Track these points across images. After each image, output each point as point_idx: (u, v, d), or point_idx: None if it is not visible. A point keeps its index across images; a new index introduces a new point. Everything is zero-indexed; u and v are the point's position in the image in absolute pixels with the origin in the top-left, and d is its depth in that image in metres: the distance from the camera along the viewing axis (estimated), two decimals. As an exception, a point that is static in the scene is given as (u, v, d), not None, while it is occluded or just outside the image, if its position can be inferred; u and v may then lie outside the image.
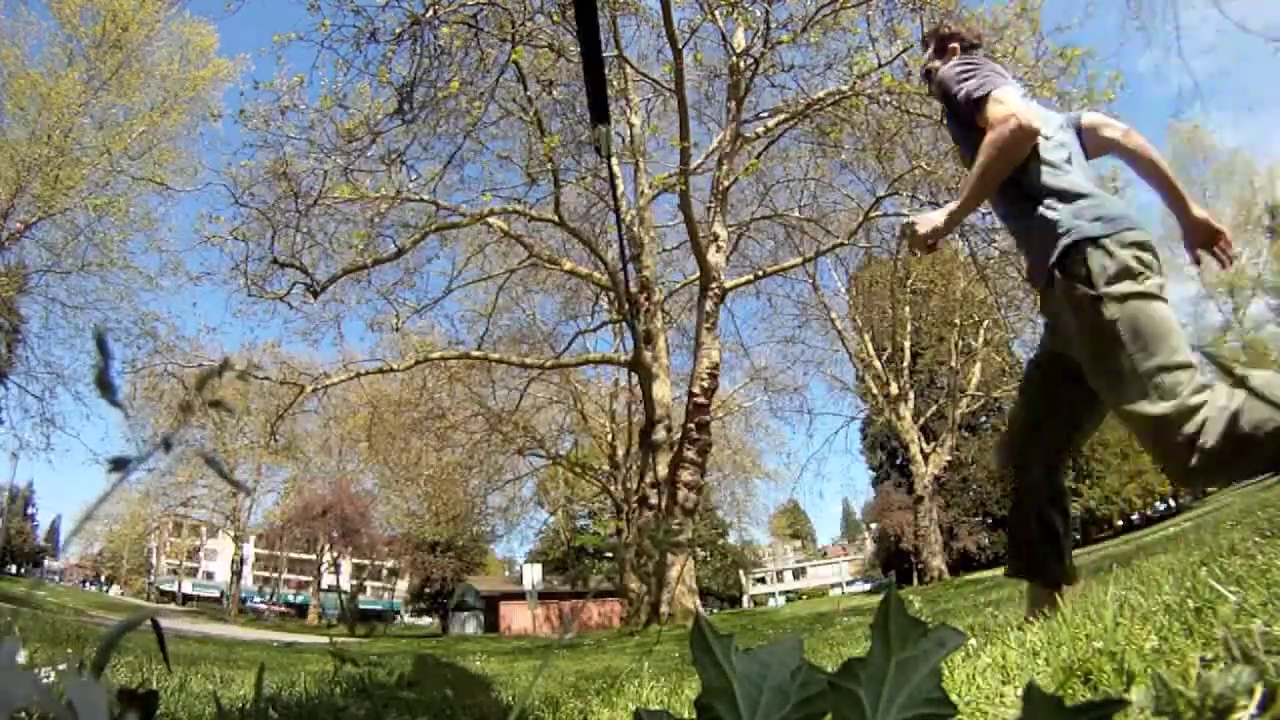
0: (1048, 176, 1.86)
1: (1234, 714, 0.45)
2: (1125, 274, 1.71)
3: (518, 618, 27.83)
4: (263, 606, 45.69)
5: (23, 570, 50.39)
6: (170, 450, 0.39)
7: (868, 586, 52.27)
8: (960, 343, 21.47)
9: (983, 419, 38.19)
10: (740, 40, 10.32)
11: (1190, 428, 1.57)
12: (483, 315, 16.13)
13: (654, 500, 11.19)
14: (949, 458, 21.87)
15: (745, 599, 58.71)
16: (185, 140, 17.14)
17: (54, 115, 15.34)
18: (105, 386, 0.38)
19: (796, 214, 13.54)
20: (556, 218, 11.68)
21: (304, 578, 47.96)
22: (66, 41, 16.05)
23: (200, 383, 0.40)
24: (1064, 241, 1.76)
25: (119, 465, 0.38)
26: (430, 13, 8.38)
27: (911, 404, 22.06)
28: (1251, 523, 3.88)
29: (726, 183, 10.80)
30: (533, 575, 25.10)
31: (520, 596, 27.26)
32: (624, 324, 14.10)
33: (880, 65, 9.42)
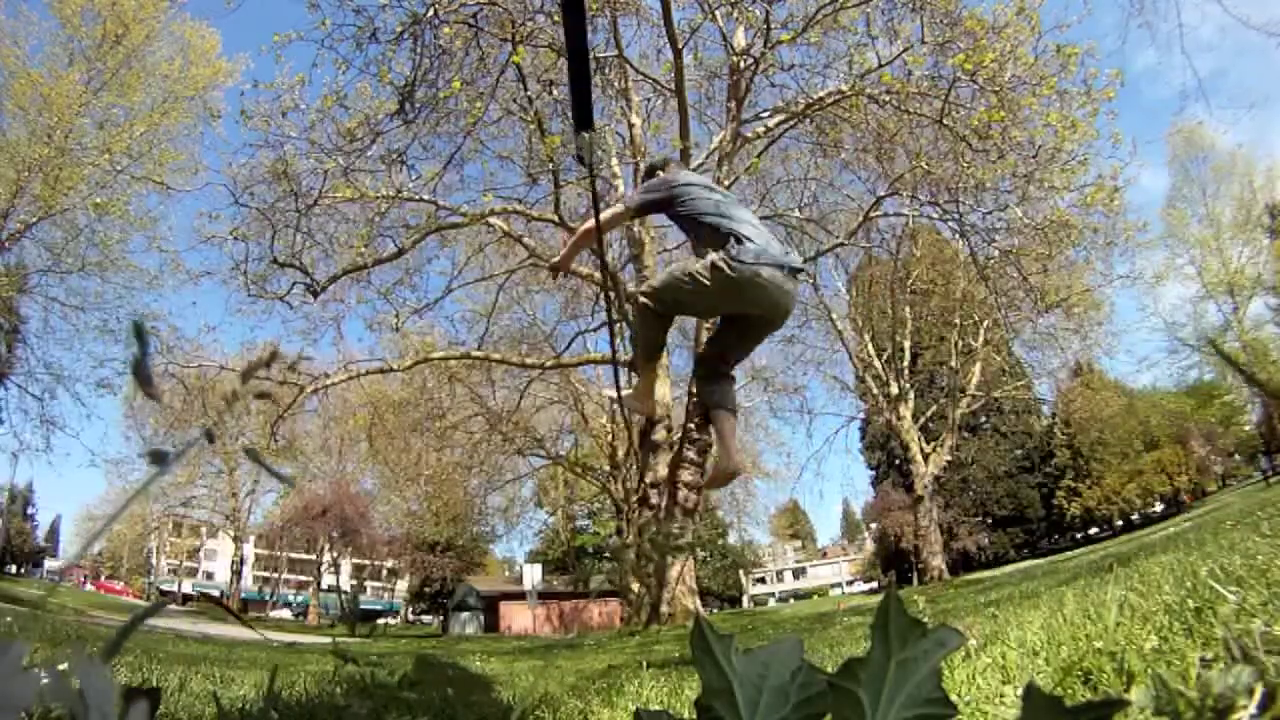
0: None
1: (1234, 714, 0.45)
2: None
3: (518, 618, 27.84)
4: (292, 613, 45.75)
5: (22, 570, 50.38)
6: (213, 442, 0.39)
7: (867, 587, 52.32)
8: (960, 343, 21.47)
9: (983, 419, 38.22)
10: (740, 40, 10.31)
11: None
12: (483, 315, 16.12)
13: (654, 500, 11.19)
14: (949, 458, 21.86)
15: (745, 599, 58.73)
16: (186, 140, 17.13)
17: (54, 115, 15.33)
18: (142, 378, 0.38)
19: (796, 214, 13.54)
20: (557, 218, 11.68)
21: (304, 578, 47.95)
22: (67, 42, 16.05)
23: (246, 374, 0.40)
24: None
25: (158, 458, 0.38)
26: (430, 12, 8.38)
27: (911, 404, 22.05)
28: (1251, 523, 3.88)
29: (727, 183, 10.79)
30: (533, 575, 25.10)
31: (520, 596, 27.27)
32: (624, 323, 14.09)
33: (880, 65, 9.42)
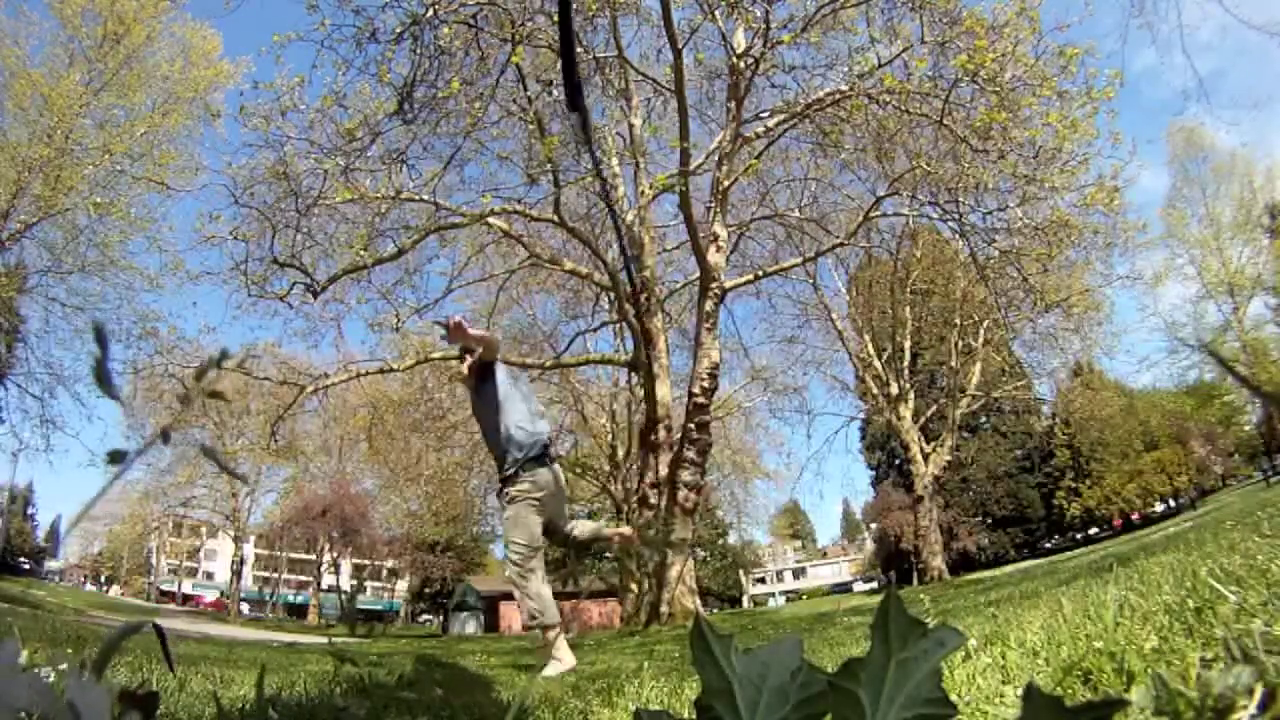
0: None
1: (1234, 714, 0.45)
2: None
3: (518, 618, 27.78)
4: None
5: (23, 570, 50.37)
6: (169, 442, 0.38)
7: (867, 587, 52.32)
8: (960, 343, 21.46)
9: (983, 419, 38.24)
10: (740, 40, 10.31)
11: None
12: (483, 316, 16.12)
13: (654, 500, 11.18)
14: (949, 458, 21.86)
15: (745, 599, 58.74)
16: (186, 141, 17.13)
17: (55, 116, 15.33)
18: (104, 381, 0.38)
19: (796, 214, 13.53)
20: (556, 218, 11.68)
21: (304, 578, 47.97)
22: (68, 42, 16.05)
23: (198, 374, 0.40)
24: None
25: (116, 458, 0.37)
26: (430, 12, 8.37)
27: (911, 404, 22.05)
28: (1252, 523, 3.88)
29: (726, 183, 10.79)
30: (533, 575, 25.01)
31: (520, 596, 27.17)
32: (624, 324, 14.11)
33: (880, 65, 9.41)
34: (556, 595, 3.47)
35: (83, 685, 0.35)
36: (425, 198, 10.98)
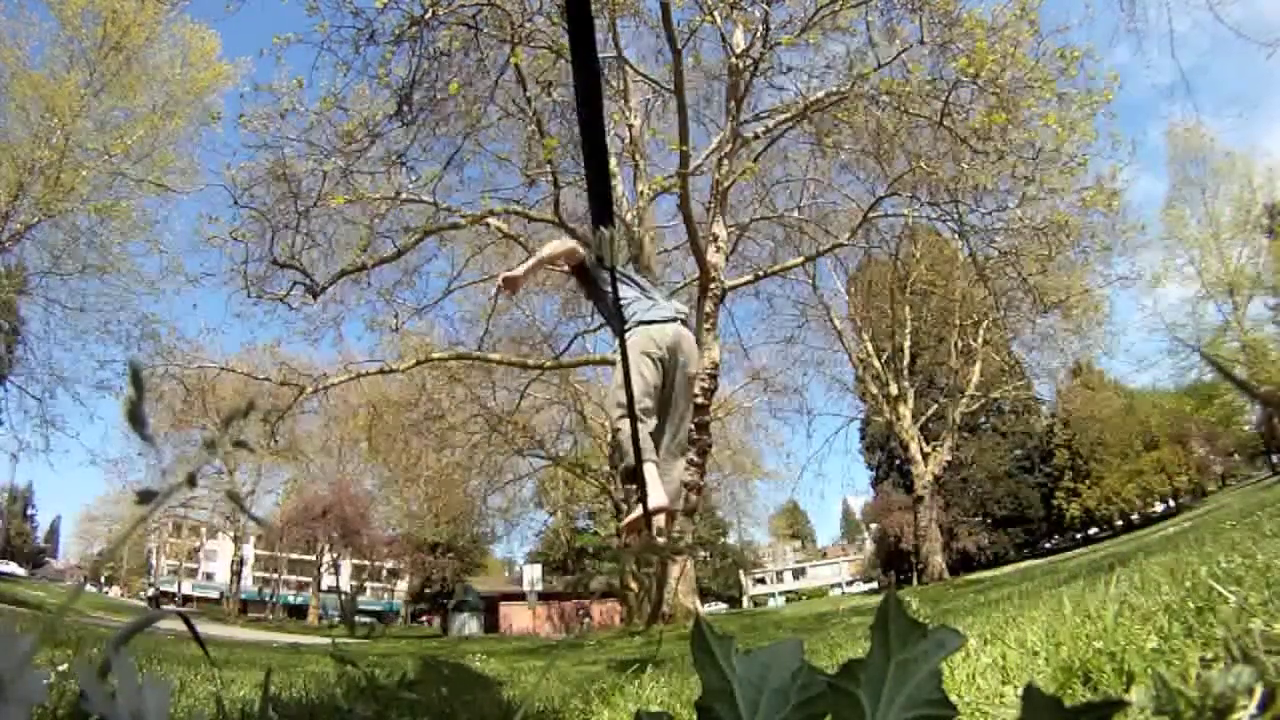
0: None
1: (1234, 714, 0.45)
2: None
3: (518, 618, 27.85)
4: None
5: (21, 570, 50.33)
6: (195, 485, 0.39)
7: (867, 587, 52.28)
8: (960, 343, 21.46)
9: (982, 419, 38.20)
10: (740, 40, 10.31)
11: None
12: (483, 316, 16.11)
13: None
14: (949, 458, 21.86)
15: (745, 599, 58.74)
16: (186, 143, 17.12)
17: (55, 117, 15.31)
18: (137, 422, 0.39)
19: (796, 214, 13.54)
20: (556, 218, 11.68)
21: (304, 578, 47.93)
22: (68, 43, 16.02)
23: (226, 421, 0.41)
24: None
25: (145, 498, 0.38)
26: (429, 14, 8.37)
27: (911, 404, 22.05)
28: (1251, 523, 3.88)
29: (726, 183, 10.79)
30: (532, 575, 25.11)
31: (520, 597, 27.28)
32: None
33: (880, 66, 9.41)
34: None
35: (152, 685, 0.34)
36: (425, 198, 10.99)
